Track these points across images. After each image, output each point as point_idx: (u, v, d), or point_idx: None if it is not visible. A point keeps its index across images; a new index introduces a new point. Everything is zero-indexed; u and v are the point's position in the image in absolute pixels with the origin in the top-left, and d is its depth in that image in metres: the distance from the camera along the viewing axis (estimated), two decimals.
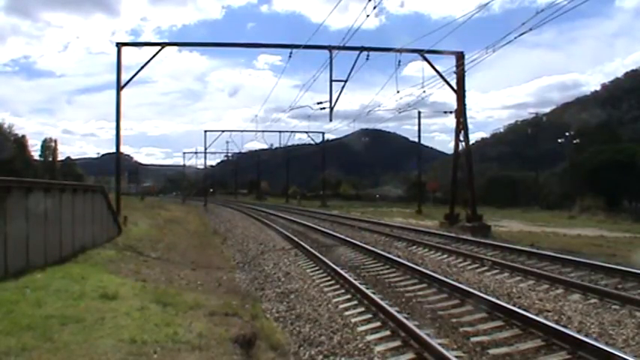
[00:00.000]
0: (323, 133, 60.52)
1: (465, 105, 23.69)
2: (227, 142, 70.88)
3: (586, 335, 6.25)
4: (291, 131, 60.16)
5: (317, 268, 11.79)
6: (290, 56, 22.39)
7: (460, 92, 23.36)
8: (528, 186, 52.45)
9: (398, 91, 22.07)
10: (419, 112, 41.14)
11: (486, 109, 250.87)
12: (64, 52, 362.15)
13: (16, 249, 8.53)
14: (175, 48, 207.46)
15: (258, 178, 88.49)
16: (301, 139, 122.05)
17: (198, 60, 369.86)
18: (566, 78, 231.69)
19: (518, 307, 7.47)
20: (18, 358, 4.47)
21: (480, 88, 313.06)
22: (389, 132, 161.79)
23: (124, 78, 21.93)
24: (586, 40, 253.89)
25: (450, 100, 24.07)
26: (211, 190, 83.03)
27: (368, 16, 16.31)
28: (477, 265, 11.88)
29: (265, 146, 68.87)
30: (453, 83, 23.19)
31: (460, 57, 22.42)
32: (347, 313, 7.69)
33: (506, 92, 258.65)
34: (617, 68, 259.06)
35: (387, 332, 6.57)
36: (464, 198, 24.72)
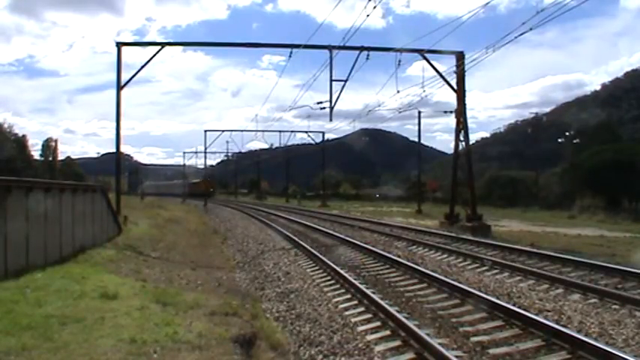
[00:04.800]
0: (323, 133, 60.56)
1: (465, 105, 23.68)
2: (227, 142, 70.65)
3: (586, 335, 6.25)
4: (291, 131, 60.20)
5: (317, 267, 11.79)
6: (290, 56, 22.41)
7: (460, 92, 23.35)
8: (528, 186, 52.36)
9: (398, 91, 22.08)
10: (419, 112, 41.19)
11: (489, 108, 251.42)
12: (68, 51, 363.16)
13: (16, 249, 8.52)
14: (180, 48, 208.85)
15: (258, 178, 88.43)
16: (302, 138, 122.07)
17: (202, 60, 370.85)
18: (570, 78, 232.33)
19: (518, 307, 7.47)
20: (18, 358, 4.47)
21: (483, 87, 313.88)
22: (389, 132, 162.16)
23: (129, 77, 21.99)
24: (589, 39, 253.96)
25: (453, 99, 24.00)
26: (211, 189, 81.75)
27: (368, 15, 16.34)
28: (477, 265, 11.88)
29: (266, 146, 68.59)
30: (454, 83, 23.20)
31: (460, 57, 22.41)
32: (347, 312, 7.69)
33: (510, 92, 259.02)
34: (622, 67, 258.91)
35: (387, 332, 6.57)
36: (464, 198, 24.70)
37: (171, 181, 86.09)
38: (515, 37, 14.68)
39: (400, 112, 26.55)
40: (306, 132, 58.49)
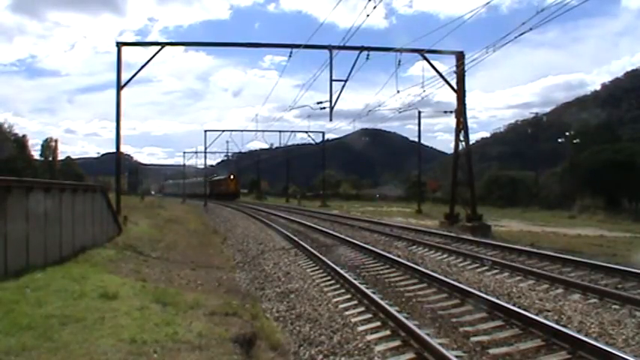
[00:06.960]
0: (323, 133, 60.51)
1: (465, 105, 23.70)
2: (227, 142, 70.23)
3: (586, 335, 6.25)
4: (291, 131, 60.05)
5: (317, 267, 11.79)
6: (290, 56, 22.45)
7: (460, 92, 23.36)
8: (528, 186, 52.42)
9: (398, 91, 22.12)
10: (419, 112, 41.21)
11: (490, 108, 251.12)
12: (70, 51, 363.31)
13: (16, 249, 8.52)
14: (181, 48, 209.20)
15: (258, 178, 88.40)
16: (302, 138, 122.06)
17: (204, 60, 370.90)
18: (572, 77, 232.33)
19: (518, 307, 7.47)
20: (18, 358, 4.47)
21: (484, 87, 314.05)
22: (389, 131, 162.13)
23: (129, 77, 22.00)
24: (590, 39, 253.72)
25: (454, 99, 24.01)
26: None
27: (368, 15, 16.35)
28: (477, 265, 11.87)
29: (266, 146, 68.12)
30: (454, 83, 23.20)
31: (460, 56, 22.42)
32: (347, 312, 7.69)
33: (512, 92, 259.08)
34: (624, 67, 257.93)
35: (387, 332, 6.57)
36: (464, 198, 24.71)
37: (196, 179, 73.46)
38: (516, 37, 14.74)
39: (400, 112, 26.65)
40: (307, 132, 58.43)
